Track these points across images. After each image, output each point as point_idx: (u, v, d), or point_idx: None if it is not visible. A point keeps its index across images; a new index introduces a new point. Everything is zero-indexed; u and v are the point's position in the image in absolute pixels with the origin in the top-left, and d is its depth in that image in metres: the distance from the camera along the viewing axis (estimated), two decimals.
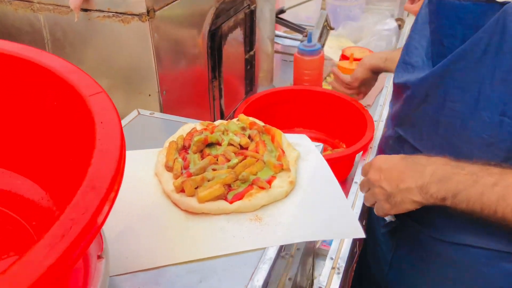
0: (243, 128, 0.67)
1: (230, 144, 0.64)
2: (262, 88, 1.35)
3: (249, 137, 0.66)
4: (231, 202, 0.56)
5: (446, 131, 0.68)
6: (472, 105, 0.63)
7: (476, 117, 0.63)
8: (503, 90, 0.60)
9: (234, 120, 0.71)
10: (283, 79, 1.57)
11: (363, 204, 0.92)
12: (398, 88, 0.79)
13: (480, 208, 0.58)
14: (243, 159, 0.61)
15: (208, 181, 0.58)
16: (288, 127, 1.33)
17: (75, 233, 0.29)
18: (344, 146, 1.25)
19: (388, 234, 0.86)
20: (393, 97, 0.85)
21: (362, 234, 0.54)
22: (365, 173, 0.73)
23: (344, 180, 1.12)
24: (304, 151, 0.66)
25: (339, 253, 0.83)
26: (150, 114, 0.76)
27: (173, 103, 0.85)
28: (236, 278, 0.48)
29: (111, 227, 0.54)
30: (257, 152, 0.63)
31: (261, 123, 0.69)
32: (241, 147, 0.64)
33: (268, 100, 1.25)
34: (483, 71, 0.61)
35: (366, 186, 0.72)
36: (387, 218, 0.77)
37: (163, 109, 0.82)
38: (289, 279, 0.71)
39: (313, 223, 0.54)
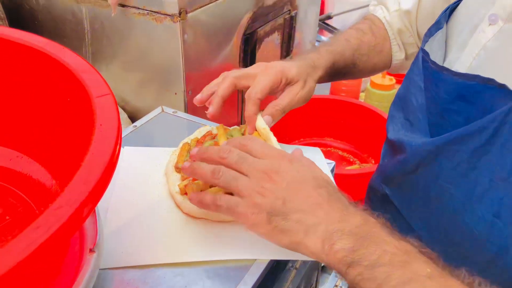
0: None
1: None
2: None
3: None
4: None
5: (437, 210, 0.59)
6: (466, 194, 0.54)
7: (468, 209, 0.54)
8: (502, 190, 0.50)
9: (241, 126, 0.71)
10: (322, 86, 1.55)
11: None
12: (393, 144, 0.68)
13: None
14: None
15: (211, 187, 0.59)
16: (319, 135, 1.33)
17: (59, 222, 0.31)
18: (373, 161, 1.23)
19: None
20: (386, 148, 0.74)
21: None
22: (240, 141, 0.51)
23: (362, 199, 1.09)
24: None
25: None
26: (173, 112, 0.78)
27: None
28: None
29: (112, 220, 0.56)
30: None
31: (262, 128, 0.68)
32: None
33: (302, 106, 1.25)
34: (485, 161, 0.52)
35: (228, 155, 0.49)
36: None
37: (187, 108, 0.84)
38: None
39: None
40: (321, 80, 0.72)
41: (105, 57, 0.89)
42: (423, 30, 0.74)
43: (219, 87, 0.62)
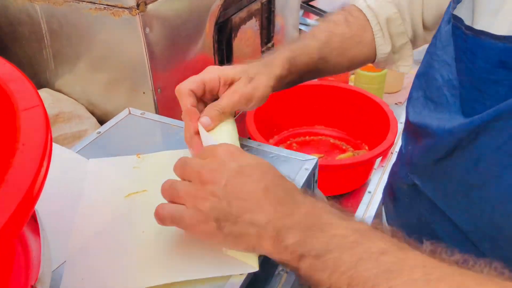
0: None
1: None
2: None
3: None
4: None
5: (479, 196, 0.53)
6: None
7: None
8: None
9: None
10: None
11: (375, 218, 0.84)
12: (416, 128, 0.61)
13: (348, 284, 0.37)
14: None
15: None
16: (309, 124, 1.26)
17: None
18: (367, 147, 1.17)
19: None
20: (407, 134, 0.68)
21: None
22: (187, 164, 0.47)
23: (358, 188, 1.03)
24: None
25: None
26: (141, 114, 0.72)
27: (171, 101, 0.80)
28: None
29: (76, 244, 0.51)
30: None
31: None
32: None
33: (289, 94, 1.18)
34: None
35: (182, 174, 0.47)
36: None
37: (158, 108, 0.78)
38: None
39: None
40: (283, 79, 0.64)
41: (68, 58, 0.83)
42: (430, 13, 0.67)
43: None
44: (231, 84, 0.58)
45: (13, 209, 0.29)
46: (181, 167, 0.47)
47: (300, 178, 0.59)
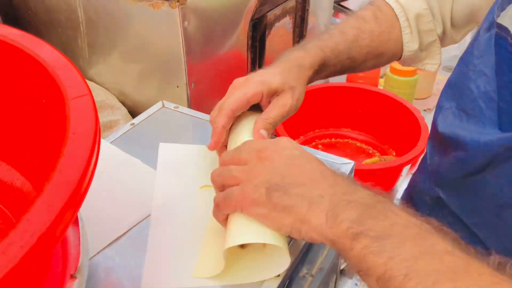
0: None
1: None
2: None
3: None
4: None
5: (511, 216, 0.50)
6: None
7: None
8: None
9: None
10: None
11: None
12: (445, 139, 0.59)
13: (405, 274, 0.33)
14: None
15: None
16: (335, 126, 1.25)
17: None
18: (394, 153, 1.15)
19: None
20: (433, 145, 0.65)
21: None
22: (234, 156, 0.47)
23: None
24: None
25: None
26: (174, 107, 0.72)
27: (203, 96, 0.79)
28: None
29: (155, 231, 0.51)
30: None
31: None
32: None
33: (317, 95, 1.17)
34: None
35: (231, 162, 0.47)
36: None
37: (190, 103, 0.77)
38: None
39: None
40: (311, 81, 0.63)
41: (103, 48, 0.82)
42: (460, 9, 0.65)
43: (216, 121, 0.55)
44: (273, 95, 0.57)
45: (65, 200, 0.29)
46: (233, 158, 0.47)
47: None
